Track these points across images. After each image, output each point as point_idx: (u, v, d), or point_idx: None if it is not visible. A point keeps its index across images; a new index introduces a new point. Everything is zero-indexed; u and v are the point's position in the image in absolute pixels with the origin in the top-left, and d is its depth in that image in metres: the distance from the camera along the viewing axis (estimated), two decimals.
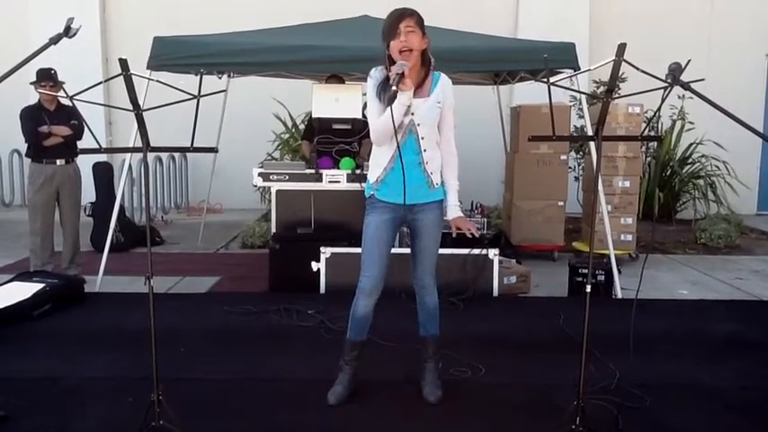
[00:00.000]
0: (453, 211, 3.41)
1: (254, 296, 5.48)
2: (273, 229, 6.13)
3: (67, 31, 2.66)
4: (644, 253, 7.22)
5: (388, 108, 3.08)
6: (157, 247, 7.64)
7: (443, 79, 3.36)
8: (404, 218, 3.40)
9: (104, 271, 5.70)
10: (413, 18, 3.18)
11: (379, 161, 3.36)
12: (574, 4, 10.58)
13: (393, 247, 3.45)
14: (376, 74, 3.31)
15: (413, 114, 3.24)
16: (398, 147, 3.17)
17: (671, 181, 9.32)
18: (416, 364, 3.63)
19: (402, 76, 3.04)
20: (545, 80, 2.80)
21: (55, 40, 2.67)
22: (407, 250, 3.54)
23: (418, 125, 3.27)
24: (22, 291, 4.94)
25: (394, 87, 3.02)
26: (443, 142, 3.41)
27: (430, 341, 3.58)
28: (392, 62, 3.18)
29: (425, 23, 3.26)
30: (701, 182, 9.29)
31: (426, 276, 3.47)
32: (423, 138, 3.30)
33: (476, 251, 5.53)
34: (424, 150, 3.31)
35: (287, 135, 9.63)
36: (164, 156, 10.08)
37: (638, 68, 2.68)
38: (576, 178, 8.72)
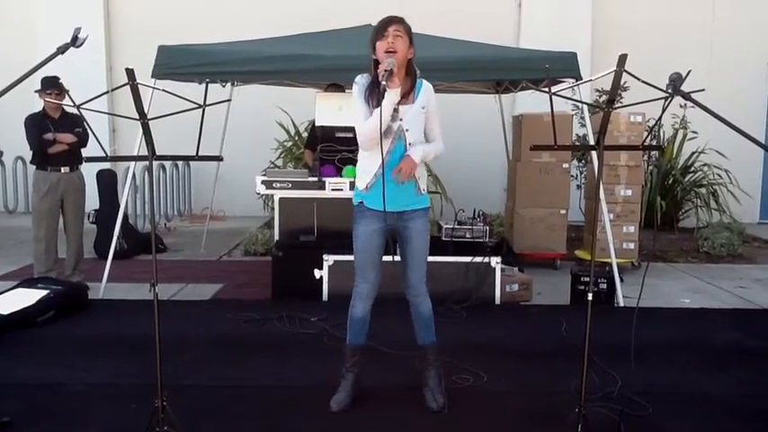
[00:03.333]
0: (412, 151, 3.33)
1: (256, 303, 5.50)
2: (276, 237, 6.15)
3: (75, 41, 2.68)
4: (646, 261, 7.21)
5: (377, 109, 3.14)
6: (160, 255, 7.65)
7: (426, 85, 3.42)
8: (392, 226, 3.43)
9: (108, 278, 5.72)
10: (402, 25, 3.26)
11: (368, 168, 3.38)
12: (576, 13, 10.62)
13: (393, 253, 3.47)
14: (362, 80, 3.37)
15: (401, 120, 3.28)
16: (382, 151, 3.19)
17: (673, 189, 9.32)
18: (418, 372, 3.64)
19: (390, 73, 3.09)
20: (546, 89, 2.82)
21: (63, 50, 2.70)
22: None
23: (407, 131, 3.32)
24: (26, 297, 4.97)
25: (384, 83, 3.06)
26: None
27: (429, 349, 3.59)
28: (377, 66, 3.24)
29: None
30: (703, 190, 9.30)
31: (419, 284, 3.49)
32: (410, 144, 3.34)
33: (478, 259, 5.54)
34: None
35: (290, 143, 9.67)
36: (167, 163, 10.10)
37: (638, 79, 2.70)
38: (578, 186, 8.73)
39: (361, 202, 3.42)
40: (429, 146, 3.41)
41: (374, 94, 3.25)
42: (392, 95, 3.16)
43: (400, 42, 3.21)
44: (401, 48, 3.20)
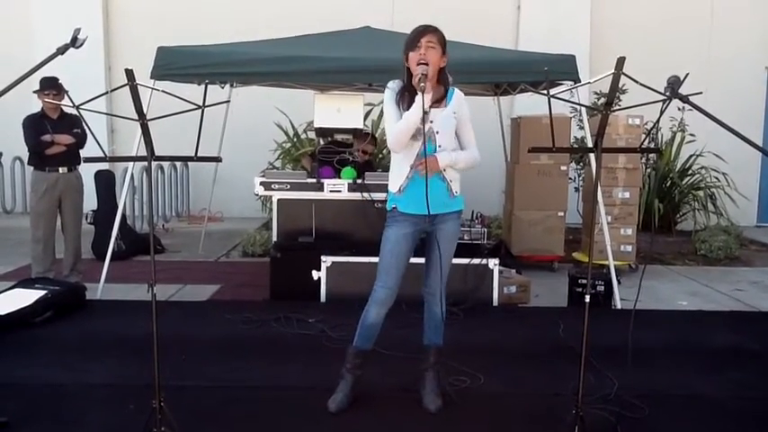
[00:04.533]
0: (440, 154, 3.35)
1: (254, 304, 5.50)
2: (274, 238, 6.15)
3: (74, 42, 2.69)
4: (643, 264, 7.23)
5: (407, 111, 3.19)
6: (158, 255, 7.60)
7: (457, 92, 3.46)
8: (424, 229, 3.44)
9: (106, 278, 5.71)
10: (435, 35, 3.27)
11: (400, 170, 3.41)
12: (575, 15, 10.64)
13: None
14: (393, 85, 3.40)
15: (431, 122, 3.29)
16: (419, 153, 3.21)
17: (671, 192, 9.33)
18: (416, 373, 3.64)
19: (426, 77, 3.12)
20: (545, 92, 2.83)
21: (62, 51, 2.70)
22: (412, 260, 3.56)
23: (437, 133, 3.34)
24: (24, 297, 4.96)
25: (422, 84, 3.09)
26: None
27: (432, 350, 3.60)
28: (409, 73, 3.27)
29: None
30: (700, 193, 9.30)
31: (438, 286, 3.50)
32: (440, 146, 3.36)
33: (476, 261, 5.55)
34: None
35: (288, 144, 9.66)
36: (165, 164, 10.10)
37: (637, 81, 2.71)
38: (577, 189, 8.74)
39: (395, 208, 3.43)
40: (461, 153, 3.43)
41: (405, 98, 3.30)
42: (426, 100, 3.16)
43: (432, 53, 3.23)
44: (433, 59, 3.23)
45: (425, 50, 3.22)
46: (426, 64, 3.19)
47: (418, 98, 3.14)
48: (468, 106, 3.49)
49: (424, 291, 3.56)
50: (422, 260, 3.56)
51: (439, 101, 3.36)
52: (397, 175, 3.42)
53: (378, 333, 3.51)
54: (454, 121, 3.41)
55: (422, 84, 3.09)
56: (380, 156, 8.81)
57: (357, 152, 6.30)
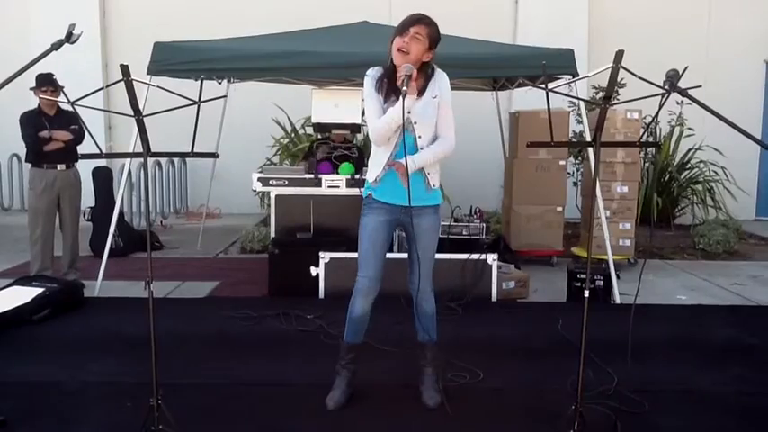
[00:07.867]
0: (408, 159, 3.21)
1: (253, 301, 5.49)
2: (273, 234, 6.15)
3: (69, 37, 2.67)
4: (642, 258, 7.23)
5: (390, 109, 3.11)
6: (156, 252, 7.64)
7: (439, 73, 3.35)
8: (400, 220, 3.40)
9: (103, 276, 5.70)
10: (427, 28, 3.20)
11: (377, 161, 3.37)
12: (573, 10, 10.62)
13: (390, 250, 3.44)
14: (373, 72, 3.33)
15: (409, 113, 3.24)
16: (398, 144, 3.18)
17: (669, 186, 9.34)
18: (415, 369, 3.63)
19: (410, 78, 3.07)
20: (543, 86, 2.81)
21: (57, 46, 2.69)
22: (405, 255, 3.55)
23: (415, 123, 3.28)
24: (21, 295, 4.95)
25: (404, 89, 3.03)
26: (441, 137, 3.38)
27: (428, 346, 3.58)
28: (392, 62, 3.21)
29: None
30: (699, 187, 9.31)
31: (423, 281, 3.46)
32: (420, 137, 3.31)
33: (475, 256, 5.54)
34: (421, 149, 3.31)
35: (286, 140, 9.65)
36: (163, 160, 10.08)
37: (635, 75, 2.69)
38: (575, 184, 8.73)
39: (370, 195, 3.41)
40: (433, 149, 3.32)
41: (384, 86, 3.25)
42: (407, 102, 3.10)
43: (415, 45, 3.17)
44: (414, 50, 3.17)
45: (410, 40, 3.16)
46: (406, 52, 3.14)
47: (401, 100, 3.06)
48: (453, 97, 3.39)
49: (410, 287, 3.51)
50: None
51: (419, 92, 3.27)
52: (375, 166, 3.38)
53: (367, 325, 3.49)
54: (435, 105, 3.30)
55: (404, 87, 3.03)
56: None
57: (339, 143, 6.27)
